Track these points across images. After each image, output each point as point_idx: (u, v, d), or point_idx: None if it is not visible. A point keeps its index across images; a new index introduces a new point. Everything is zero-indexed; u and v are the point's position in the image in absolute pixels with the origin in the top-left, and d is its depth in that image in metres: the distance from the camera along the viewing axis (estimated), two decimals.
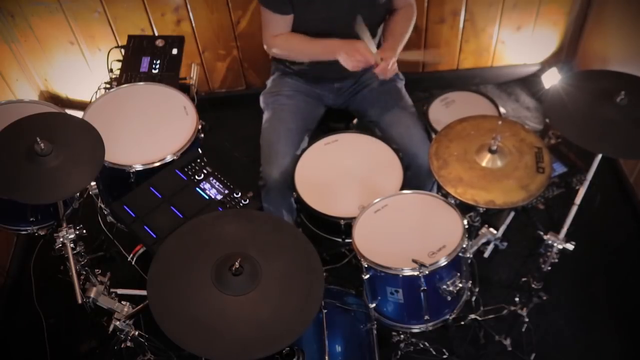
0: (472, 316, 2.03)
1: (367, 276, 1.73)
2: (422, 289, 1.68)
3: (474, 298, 1.93)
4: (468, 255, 1.76)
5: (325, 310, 1.77)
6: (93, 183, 1.95)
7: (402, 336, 1.98)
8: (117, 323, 1.61)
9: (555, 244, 1.74)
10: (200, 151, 1.93)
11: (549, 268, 1.82)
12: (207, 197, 1.71)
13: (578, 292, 2.29)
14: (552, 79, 2.96)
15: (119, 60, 2.26)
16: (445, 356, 2.05)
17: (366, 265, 1.71)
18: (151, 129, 1.97)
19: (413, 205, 1.82)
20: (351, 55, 1.93)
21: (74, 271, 1.62)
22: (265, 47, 2.15)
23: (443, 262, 1.65)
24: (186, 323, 1.27)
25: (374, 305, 1.84)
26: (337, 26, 2.02)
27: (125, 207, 1.69)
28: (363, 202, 1.84)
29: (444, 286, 1.71)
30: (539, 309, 2.06)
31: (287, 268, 1.36)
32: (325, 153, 2.09)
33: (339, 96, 2.27)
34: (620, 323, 2.20)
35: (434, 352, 2.03)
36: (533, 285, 1.96)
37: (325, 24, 2.03)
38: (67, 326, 2.27)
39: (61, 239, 1.68)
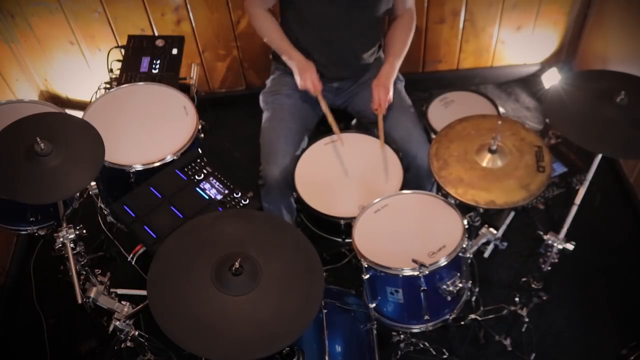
0: (472, 316, 2.03)
1: (367, 276, 1.73)
2: (422, 289, 1.68)
3: (474, 298, 1.93)
4: (468, 255, 1.76)
5: (325, 310, 1.77)
6: (93, 183, 1.95)
7: (402, 336, 1.98)
8: (117, 323, 1.61)
9: (555, 244, 1.74)
10: (200, 151, 1.92)
11: (549, 268, 1.82)
12: (207, 197, 1.71)
13: (578, 292, 2.29)
14: (552, 79, 2.96)
15: (119, 60, 2.26)
16: (445, 356, 2.05)
17: (366, 265, 1.71)
18: (151, 129, 1.97)
19: (413, 205, 1.82)
20: (302, 82, 2.07)
21: (74, 271, 1.62)
22: (245, 3, 2.19)
23: (443, 262, 1.65)
24: (186, 323, 1.27)
25: (374, 305, 1.84)
26: (335, 24, 2.02)
27: (125, 207, 1.69)
28: (363, 202, 1.84)
29: (444, 286, 1.71)
30: (539, 309, 2.06)
31: (287, 268, 1.36)
32: (325, 153, 2.09)
33: (338, 96, 2.27)
34: (620, 323, 2.20)
35: (434, 352, 2.03)
36: (533, 285, 1.95)
37: (322, 20, 2.03)
38: (67, 326, 2.27)
39: (61, 239, 1.68)
